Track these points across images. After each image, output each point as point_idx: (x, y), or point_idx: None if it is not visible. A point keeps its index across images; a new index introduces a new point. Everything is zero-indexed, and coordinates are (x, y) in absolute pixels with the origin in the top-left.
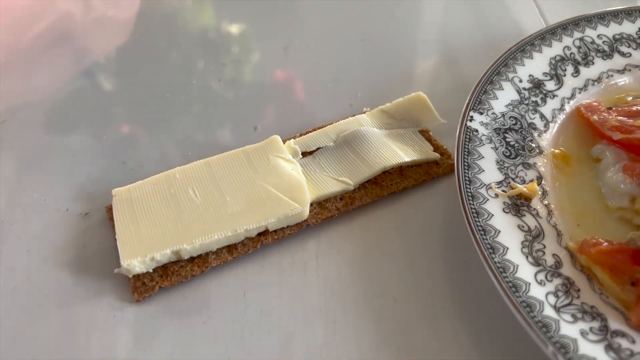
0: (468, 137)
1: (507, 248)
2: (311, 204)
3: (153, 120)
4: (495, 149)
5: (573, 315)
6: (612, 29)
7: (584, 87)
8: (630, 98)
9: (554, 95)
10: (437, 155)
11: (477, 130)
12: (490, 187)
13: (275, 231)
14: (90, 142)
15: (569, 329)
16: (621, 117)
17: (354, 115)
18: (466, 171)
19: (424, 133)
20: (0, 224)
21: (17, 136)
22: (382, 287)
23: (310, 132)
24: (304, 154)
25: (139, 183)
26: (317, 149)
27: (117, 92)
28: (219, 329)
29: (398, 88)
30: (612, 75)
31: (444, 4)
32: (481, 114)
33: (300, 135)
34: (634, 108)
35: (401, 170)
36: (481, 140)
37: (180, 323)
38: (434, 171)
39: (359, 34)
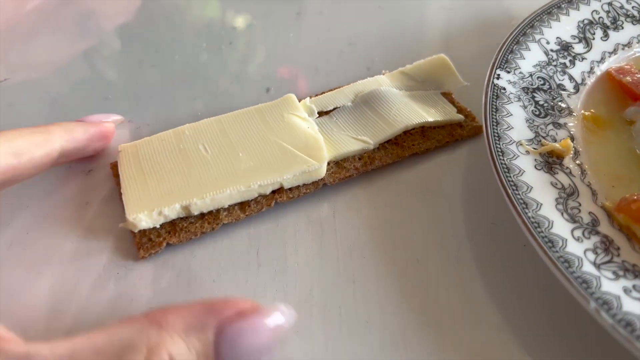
0: (495, 94)
1: (541, 204)
2: (328, 163)
3: (161, 81)
4: (524, 107)
5: (614, 273)
6: None
7: (614, 51)
8: None
9: (583, 58)
10: (461, 117)
11: (504, 89)
12: (521, 144)
13: (290, 189)
14: (94, 101)
15: (611, 286)
16: None
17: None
18: (495, 128)
19: (447, 95)
20: None
21: (18, 95)
22: (404, 249)
23: (327, 92)
24: (320, 114)
25: (147, 139)
26: (334, 108)
27: (124, 52)
28: (229, 287)
29: (417, 52)
30: None
31: None
32: (508, 72)
33: (316, 95)
34: None
35: (423, 131)
36: (509, 98)
37: (188, 281)
38: (457, 133)
39: (375, 1)
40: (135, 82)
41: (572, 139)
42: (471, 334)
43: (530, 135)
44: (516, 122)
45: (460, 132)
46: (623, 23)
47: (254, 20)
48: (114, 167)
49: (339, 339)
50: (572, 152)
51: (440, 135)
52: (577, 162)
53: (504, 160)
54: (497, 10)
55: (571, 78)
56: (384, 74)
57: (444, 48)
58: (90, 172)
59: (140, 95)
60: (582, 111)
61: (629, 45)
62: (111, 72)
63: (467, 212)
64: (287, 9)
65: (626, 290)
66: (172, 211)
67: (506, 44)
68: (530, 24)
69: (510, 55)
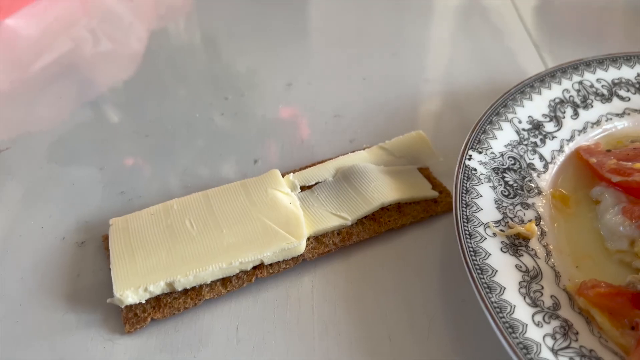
0: (467, 175)
1: (505, 288)
2: (308, 239)
3: (154, 152)
4: (494, 188)
5: (571, 359)
6: (611, 74)
7: (583, 130)
8: (630, 141)
9: (553, 137)
10: (435, 193)
11: (475, 169)
12: (489, 226)
13: (270, 265)
14: (90, 172)
15: None
16: (620, 160)
17: (353, 152)
18: (464, 209)
19: (423, 171)
20: None
21: (18, 164)
22: (377, 325)
23: (310, 166)
24: (303, 188)
25: (137, 213)
26: (316, 183)
27: (120, 124)
28: None
29: (398, 126)
30: (611, 119)
31: (446, 45)
32: (480, 152)
33: (300, 169)
34: (633, 151)
35: (399, 207)
36: (479, 179)
37: (171, 356)
38: (432, 209)
39: (360, 73)
40: (129, 152)
41: (539, 219)
42: None
43: (499, 216)
44: (485, 203)
45: (435, 208)
46: (592, 102)
47: (246, 90)
48: (106, 239)
49: None
50: (537, 234)
51: (415, 211)
52: (543, 242)
53: (471, 243)
54: (477, 82)
55: (541, 157)
56: (364, 149)
57: (422, 122)
58: (83, 244)
59: (133, 167)
60: (551, 189)
61: (597, 123)
62: (106, 143)
63: (440, 288)
64: (278, 79)
65: None
66: (157, 287)
67: (479, 123)
68: (504, 103)
69: (482, 136)
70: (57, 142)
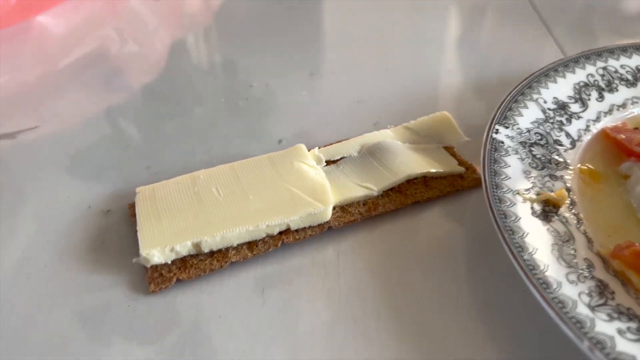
0: (494, 147)
1: (537, 248)
2: (334, 208)
3: (179, 132)
4: (522, 159)
5: (609, 315)
6: (635, 60)
7: (609, 111)
8: None
9: (579, 117)
10: (462, 169)
11: (502, 142)
12: (518, 193)
13: (297, 231)
14: (115, 149)
15: (605, 327)
16: None
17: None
18: (492, 177)
19: (448, 149)
20: (23, 217)
21: (47, 142)
22: (405, 291)
23: (334, 144)
24: (328, 162)
25: (163, 182)
26: (341, 158)
27: (144, 107)
28: (235, 323)
29: (421, 110)
30: (637, 102)
31: (465, 40)
32: (507, 127)
33: (325, 146)
34: None
35: (425, 180)
36: (507, 150)
37: (196, 316)
38: (458, 184)
39: (382, 65)
40: (155, 132)
41: (568, 190)
42: None
43: (528, 185)
44: (513, 172)
45: (461, 183)
46: (618, 86)
47: (270, 79)
48: (131, 207)
49: None
50: (567, 201)
51: (442, 185)
52: (573, 211)
53: (500, 207)
54: (496, 73)
55: (568, 135)
56: (389, 129)
57: (446, 107)
58: (109, 212)
59: (159, 145)
60: (579, 165)
61: (623, 106)
62: (132, 125)
63: (467, 259)
64: (301, 70)
65: (620, 332)
66: (184, 248)
67: (505, 102)
68: (529, 85)
69: (509, 113)
70: (84, 124)
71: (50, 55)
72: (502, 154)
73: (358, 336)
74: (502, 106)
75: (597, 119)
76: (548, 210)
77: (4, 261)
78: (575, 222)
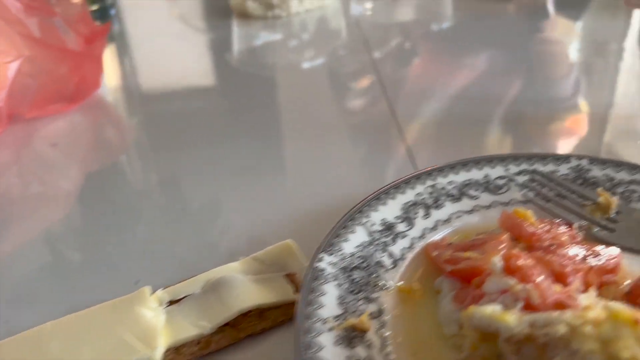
0: (315, 276)
1: None
2: (167, 350)
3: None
4: (340, 285)
5: None
6: (462, 176)
7: (434, 228)
8: (476, 235)
9: (405, 235)
10: (296, 297)
11: (323, 270)
12: (327, 321)
13: None
14: None
15: None
16: (457, 251)
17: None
18: (306, 308)
19: (291, 276)
20: None
21: None
22: None
23: (181, 282)
24: (171, 302)
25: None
26: (185, 296)
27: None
28: None
29: (270, 239)
30: (460, 216)
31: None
32: (330, 254)
33: (172, 285)
34: (471, 242)
35: (261, 312)
36: (326, 278)
37: None
38: (291, 312)
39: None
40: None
41: (381, 312)
42: None
43: (339, 312)
44: (328, 300)
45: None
46: (444, 202)
47: (115, 211)
48: None
49: None
50: (377, 324)
51: (274, 315)
52: (383, 334)
53: (306, 338)
54: (341, 195)
55: (391, 254)
56: (239, 260)
57: (299, 232)
58: None
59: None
60: (400, 283)
61: (448, 221)
62: None
63: None
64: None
65: None
66: None
67: (333, 229)
68: (359, 210)
69: (335, 239)
70: None
71: None
72: (321, 282)
73: None
74: (330, 233)
75: (422, 236)
76: (353, 336)
77: None
78: (379, 345)
